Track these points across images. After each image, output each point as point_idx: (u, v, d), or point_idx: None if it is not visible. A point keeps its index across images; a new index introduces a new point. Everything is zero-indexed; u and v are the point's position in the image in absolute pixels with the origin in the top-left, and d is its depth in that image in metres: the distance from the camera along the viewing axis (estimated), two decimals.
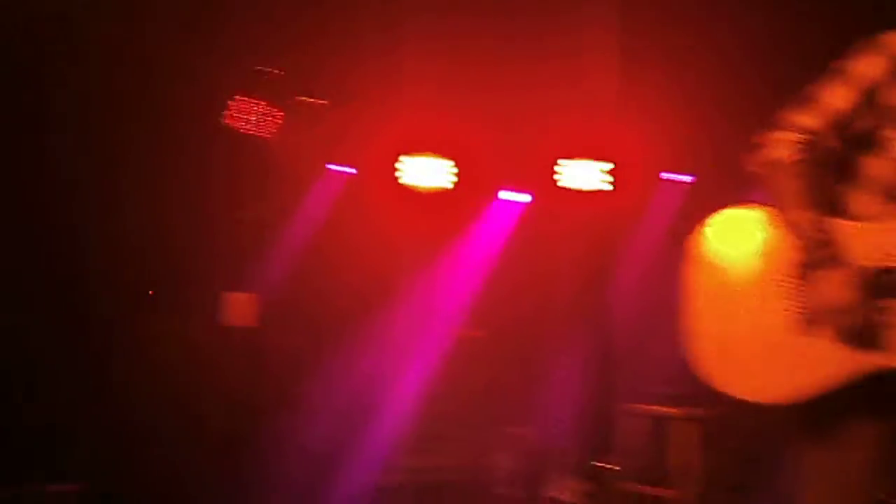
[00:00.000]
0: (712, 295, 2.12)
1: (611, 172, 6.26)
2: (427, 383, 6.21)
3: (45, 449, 4.78)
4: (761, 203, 2.12)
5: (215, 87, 5.39)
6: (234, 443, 5.34)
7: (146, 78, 5.14)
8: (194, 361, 5.43)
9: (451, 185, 6.34)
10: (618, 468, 5.42)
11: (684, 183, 6.56)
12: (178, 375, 5.30)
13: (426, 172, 6.32)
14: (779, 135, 2.05)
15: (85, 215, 5.08)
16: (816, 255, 1.95)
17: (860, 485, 2.02)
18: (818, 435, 2.06)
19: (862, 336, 1.92)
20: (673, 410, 5.22)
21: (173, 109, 5.22)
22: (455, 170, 6.34)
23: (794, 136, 2.02)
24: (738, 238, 2.12)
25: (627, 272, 6.50)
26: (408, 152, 6.25)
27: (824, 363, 1.96)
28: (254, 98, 5.52)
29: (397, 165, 6.25)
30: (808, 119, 2.03)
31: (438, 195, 6.36)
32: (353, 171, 6.44)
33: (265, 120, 5.51)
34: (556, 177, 6.22)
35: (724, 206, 2.19)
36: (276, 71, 5.43)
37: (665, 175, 6.57)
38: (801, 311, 1.99)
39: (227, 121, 5.40)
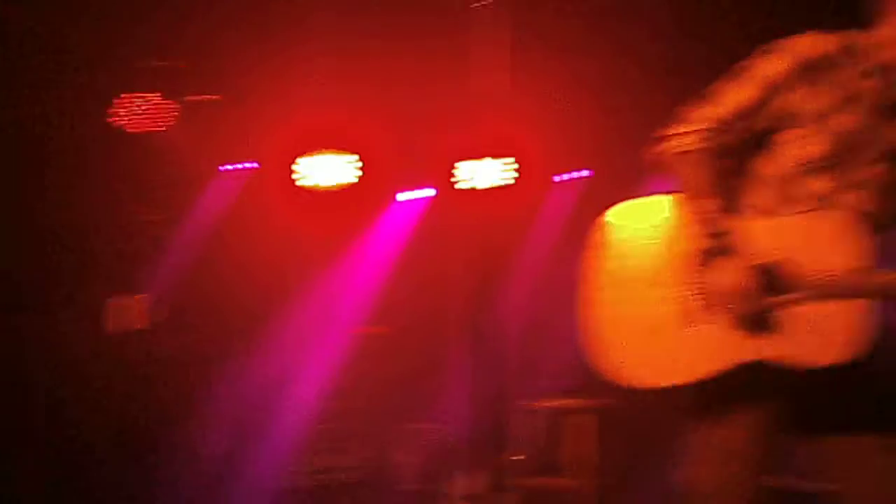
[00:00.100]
0: (611, 283, 2.16)
1: (510, 169, 6.32)
2: (329, 382, 6.13)
3: None
4: (660, 194, 2.16)
5: (103, 82, 5.17)
6: (120, 451, 5.13)
7: (26, 71, 4.88)
8: (71, 367, 5.20)
9: (355, 180, 6.28)
10: (517, 461, 5.49)
11: (580, 179, 6.68)
12: (53, 382, 5.06)
13: (327, 170, 6.24)
14: (683, 126, 2.11)
15: None
16: (717, 242, 2.00)
17: (743, 462, 2.09)
18: (706, 415, 2.13)
19: (754, 324, 1.99)
20: (568, 402, 5.32)
21: (55, 105, 4.98)
22: (359, 164, 6.28)
23: (698, 128, 2.07)
24: (638, 226, 2.16)
25: (525, 268, 6.59)
26: (308, 150, 6.16)
27: (713, 350, 2.02)
28: (147, 93, 5.32)
29: (296, 164, 6.15)
30: (711, 112, 2.08)
31: (340, 193, 6.29)
32: (253, 166, 6.30)
33: (158, 115, 5.32)
34: (455, 175, 6.24)
35: (619, 199, 2.23)
36: (170, 65, 5.25)
37: (561, 173, 6.67)
38: (696, 298, 2.05)
39: (112, 119, 5.19)
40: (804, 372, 1.95)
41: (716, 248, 2.00)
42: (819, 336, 1.94)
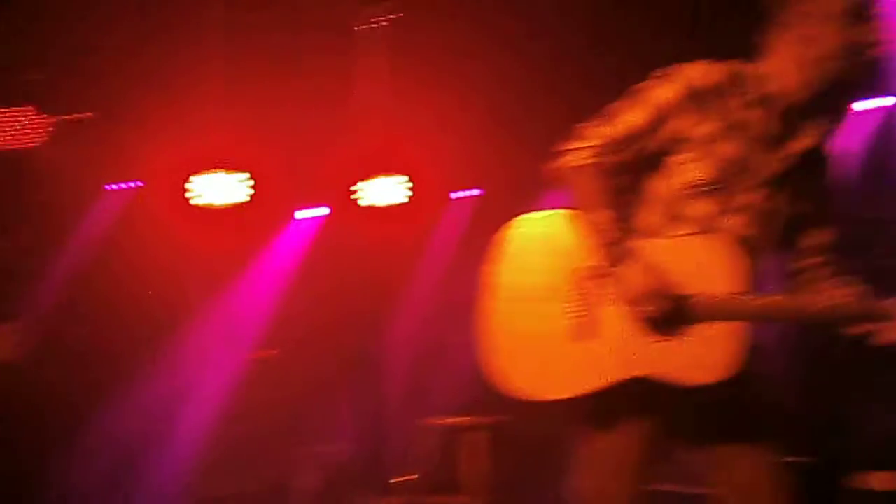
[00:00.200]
0: (507, 297, 2.17)
1: (405, 187, 6.32)
2: (222, 407, 5.96)
3: None
4: (556, 208, 2.19)
5: None
6: None
7: None
8: None
9: (247, 199, 6.15)
10: (411, 480, 5.47)
11: (476, 195, 6.75)
12: None
13: (219, 188, 6.10)
14: (579, 142, 2.14)
15: None
16: (614, 252, 2.04)
17: (628, 470, 2.15)
18: (593, 426, 2.18)
19: (660, 326, 2.03)
20: (461, 420, 5.33)
21: None
22: (251, 182, 6.16)
23: (592, 144, 2.13)
24: (535, 241, 2.18)
25: (422, 285, 6.60)
26: (199, 168, 6.00)
27: (600, 366, 2.06)
28: (20, 107, 5.05)
29: (189, 182, 5.99)
30: (605, 131, 2.13)
31: (234, 213, 6.15)
32: (139, 185, 6.09)
33: (31, 130, 5.06)
34: (350, 193, 6.19)
35: (516, 214, 2.24)
36: (45, 78, 5.01)
37: (458, 190, 6.72)
38: (587, 313, 2.09)
39: None
40: (683, 388, 2.01)
41: (613, 258, 2.04)
42: (697, 356, 2.00)
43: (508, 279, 2.17)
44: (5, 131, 5.05)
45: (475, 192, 6.75)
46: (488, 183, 6.54)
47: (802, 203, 2.16)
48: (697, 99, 2.08)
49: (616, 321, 2.07)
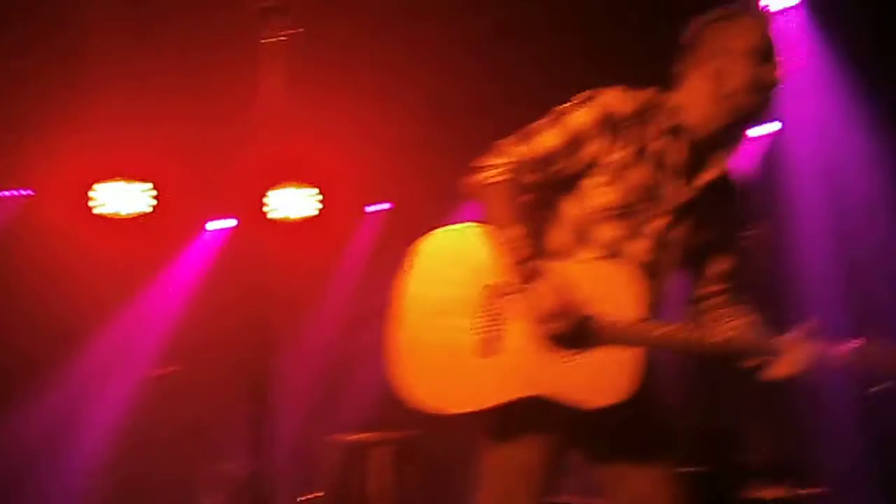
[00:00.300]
0: (418, 310, 2.17)
1: (315, 199, 6.28)
2: (123, 426, 5.77)
3: None
4: (470, 223, 2.21)
5: None
6: None
7: None
8: None
9: (149, 210, 5.99)
10: (316, 498, 5.41)
11: (385, 210, 6.75)
12: None
13: (122, 198, 5.93)
14: (495, 159, 2.16)
15: None
16: (524, 269, 2.07)
17: (531, 482, 2.18)
18: (497, 438, 2.20)
19: (564, 344, 2.07)
20: (367, 436, 5.30)
21: None
22: (154, 192, 6.01)
23: (507, 162, 2.15)
24: (448, 255, 2.19)
25: (331, 299, 6.55)
26: (100, 178, 5.83)
27: (503, 382, 2.09)
28: None
29: (92, 191, 5.81)
30: (521, 150, 2.16)
31: (137, 224, 5.99)
32: (30, 193, 5.86)
33: None
34: (259, 205, 6.09)
35: (429, 228, 2.25)
36: None
37: (372, 203, 6.71)
38: (494, 328, 2.11)
39: None
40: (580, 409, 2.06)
41: (523, 275, 2.06)
42: (594, 379, 2.05)
43: (420, 292, 2.18)
44: None
45: (385, 205, 6.75)
46: (399, 197, 6.54)
47: (707, 231, 2.23)
48: (613, 125, 2.13)
49: (520, 339, 2.10)
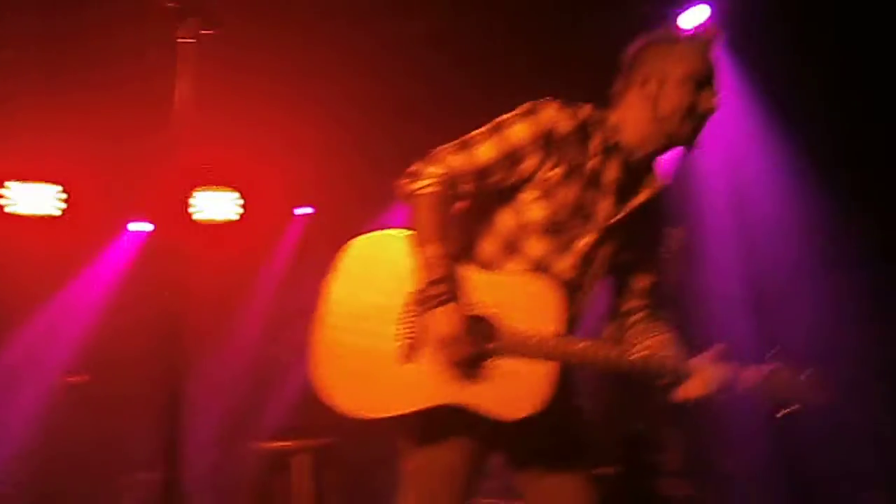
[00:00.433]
0: (343, 315, 2.16)
1: (237, 203, 6.20)
2: (36, 437, 5.57)
3: None
4: (401, 230, 2.20)
5: None
6: None
7: None
8: None
9: (58, 212, 5.82)
10: None
11: (309, 214, 6.69)
12: None
13: (32, 199, 5.76)
14: (428, 167, 2.14)
15: None
16: (435, 290, 2.05)
17: (453, 484, 2.19)
18: (419, 441, 2.21)
19: (459, 370, 2.08)
20: (286, 444, 5.24)
21: None
22: (64, 195, 5.84)
23: (438, 173, 2.13)
24: (376, 260, 2.17)
25: (255, 304, 6.46)
26: (11, 178, 5.65)
27: (421, 389, 2.10)
28: None
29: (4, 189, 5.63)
30: (458, 160, 2.14)
31: (51, 229, 5.81)
32: None
33: None
34: (182, 208, 5.97)
35: (347, 234, 2.23)
36: None
37: (300, 206, 6.65)
38: (413, 337, 2.11)
39: None
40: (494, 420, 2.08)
41: (433, 295, 2.06)
42: (507, 393, 2.07)
43: (346, 296, 2.17)
44: None
45: (309, 210, 6.70)
46: (323, 200, 6.50)
47: (633, 250, 2.27)
48: (550, 142, 2.12)
49: (434, 349, 2.10)
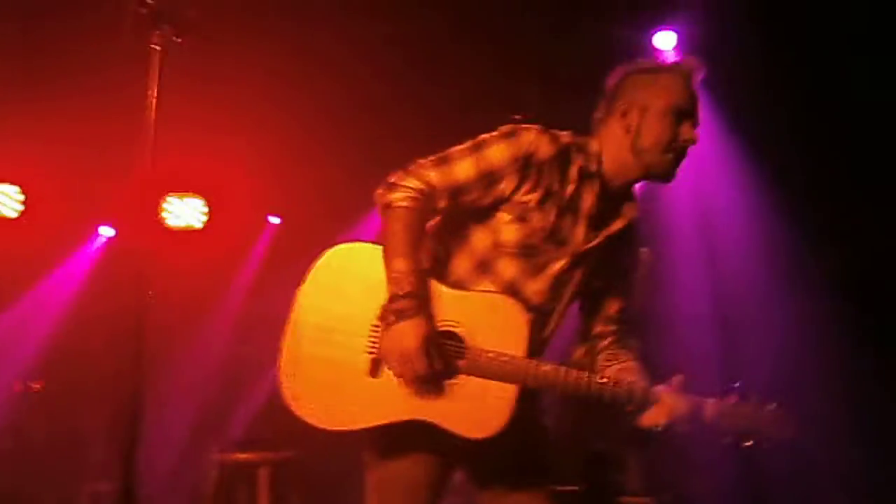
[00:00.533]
0: (317, 323, 2.15)
1: (203, 211, 6.15)
2: None
3: None
4: (366, 242, 2.19)
5: None
6: None
7: None
8: None
9: (14, 214, 5.74)
10: None
11: (278, 224, 6.65)
12: None
13: None
14: (401, 181, 2.13)
15: None
16: (400, 305, 2.04)
17: (415, 498, 2.18)
18: (383, 454, 2.20)
19: (424, 386, 2.07)
20: (244, 456, 5.18)
21: None
22: (21, 197, 5.77)
23: (416, 186, 2.12)
24: (353, 272, 2.16)
25: (222, 314, 6.39)
26: None
27: (385, 404, 2.09)
28: None
29: None
30: (435, 176, 2.13)
31: (10, 231, 5.72)
32: None
33: None
34: (148, 215, 5.90)
35: (317, 243, 2.22)
36: None
37: (264, 216, 6.60)
38: (379, 351, 2.10)
39: None
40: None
41: (398, 309, 2.05)
42: (468, 412, 2.07)
43: (317, 307, 2.15)
44: None
45: (276, 219, 6.66)
46: (291, 210, 6.47)
47: (604, 277, 2.27)
48: (529, 165, 2.12)
49: (400, 363, 2.08)
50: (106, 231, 6.51)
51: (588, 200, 2.19)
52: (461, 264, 2.20)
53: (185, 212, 6.17)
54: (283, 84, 4.85)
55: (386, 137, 4.67)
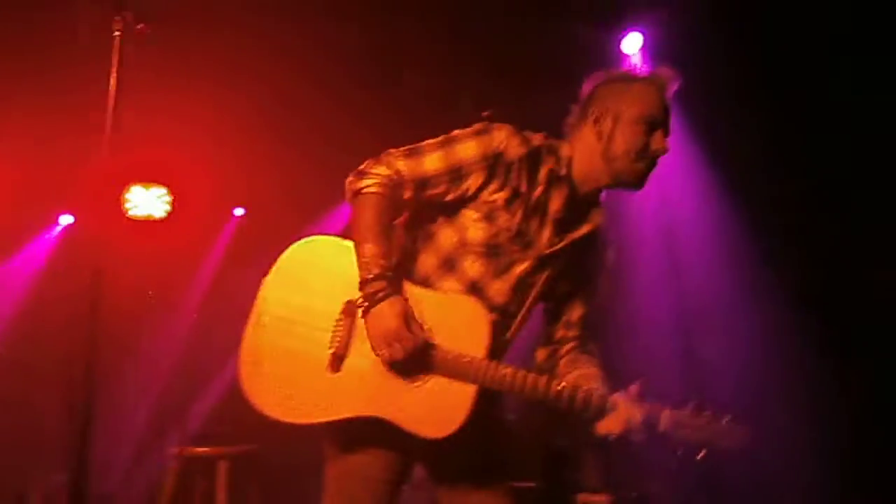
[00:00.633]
0: (280, 315, 2.13)
1: (166, 200, 6.09)
2: None
3: None
4: (331, 235, 2.18)
5: None
6: None
7: None
8: None
9: None
10: None
11: (241, 216, 6.60)
12: None
13: None
14: (374, 168, 2.13)
15: None
16: (371, 287, 2.04)
17: (375, 491, 2.18)
18: (342, 448, 2.19)
19: (396, 370, 2.07)
20: (202, 450, 5.14)
21: None
22: None
23: (385, 174, 2.12)
24: (320, 264, 2.15)
25: (183, 307, 6.33)
26: None
27: (345, 399, 2.08)
28: None
29: None
30: (403, 165, 2.14)
31: None
32: None
33: None
34: (110, 204, 5.84)
35: (281, 235, 2.22)
36: None
37: (228, 207, 6.55)
38: (340, 345, 2.09)
39: None
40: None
41: (371, 293, 2.05)
42: (427, 410, 2.07)
43: (281, 298, 2.14)
44: None
45: (241, 211, 6.61)
46: (255, 202, 6.42)
47: (567, 281, 2.28)
48: (497, 164, 2.13)
49: (367, 360, 2.09)
50: (66, 219, 6.41)
51: (556, 204, 2.20)
52: (427, 261, 2.20)
53: (148, 202, 6.10)
54: (249, 75, 4.81)
55: (353, 131, 4.65)
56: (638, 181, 2.21)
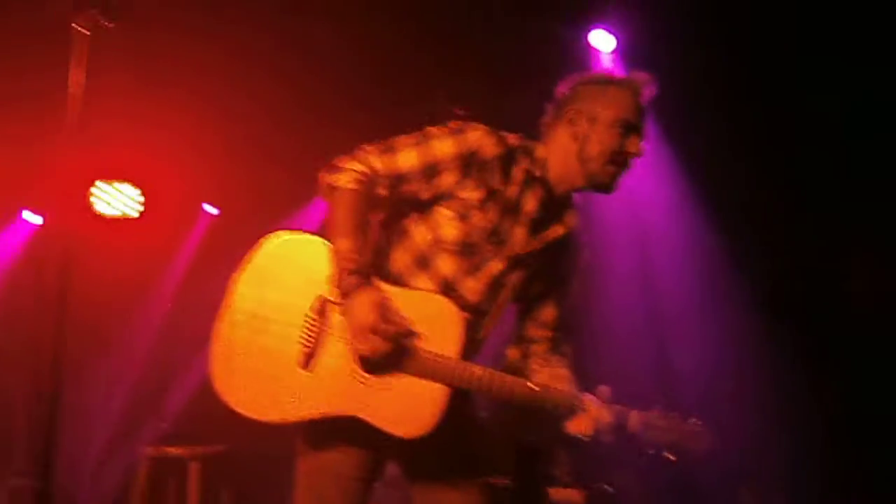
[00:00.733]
0: (251, 311, 2.12)
1: (137, 199, 6.03)
2: None
3: None
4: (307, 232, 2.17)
5: None
6: None
7: None
8: None
9: None
10: None
11: (214, 214, 6.55)
12: None
13: None
14: (349, 163, 2.13)
15: None
16: (350, 282, 2.03)
17: (346, 488, 2.18)
18: (313, 445, 2.19)
19: (372, 364, 2.06)
20: (172, 450, 5.09)
21: None
22: None
23: (360, 169, 2.11)
24: (292, 261, 2.14)
25: (157, 307, 6.28)
26: None
27: (318, 397, 2.07)
28: None
29: None
30: (378, 161, 2.14)
31: None
32: None
33: None
34: (78, 202, 5.78)
35: (251, 234, 2.20)
36: None
37: (201, 204, 6.50)
38: (312, 342, 2.09)
39: None
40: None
41: (345, 288, 2.04)
42: (399, 409, 2.06)
43: (253, 294, 2.12)
44: None
45: (214, 209, 6.56)
46: (228, 200, 6.37)
47: (541, 282, 2.29)
48: (472, 163, 2.14)
49: (339, 358, 2.09)
50: (32, 217, 6.33)
51: (530, 204, 2.20)
52: (401, 258, 2.20)
53: (119, 200, 6.04)
54: (220, 74, 4.77)
55: (324, 130, 4.63)
56: (609, 183, 2.22)
